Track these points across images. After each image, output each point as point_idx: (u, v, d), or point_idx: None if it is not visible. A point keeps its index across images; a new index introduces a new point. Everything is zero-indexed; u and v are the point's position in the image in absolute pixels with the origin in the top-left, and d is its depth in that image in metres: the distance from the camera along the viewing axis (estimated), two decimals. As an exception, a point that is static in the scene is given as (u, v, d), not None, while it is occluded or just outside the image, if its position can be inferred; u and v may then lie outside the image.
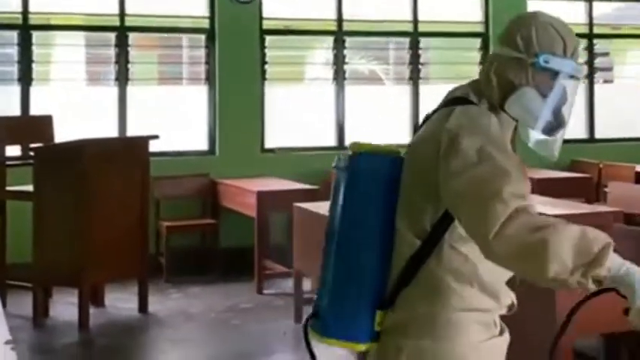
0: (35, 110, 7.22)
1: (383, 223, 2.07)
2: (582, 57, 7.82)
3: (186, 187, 7.49)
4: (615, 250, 1.89)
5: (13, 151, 6.31)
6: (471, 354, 2.00)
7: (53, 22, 7.74)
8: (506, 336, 2.17)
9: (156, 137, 6.10)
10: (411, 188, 2.07)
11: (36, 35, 7.39)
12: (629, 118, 8.87)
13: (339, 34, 8.17)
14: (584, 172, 7.54)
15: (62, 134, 6.41)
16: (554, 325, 2.57)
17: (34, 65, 7.34)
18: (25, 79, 7.29)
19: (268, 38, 7.93)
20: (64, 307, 5.98)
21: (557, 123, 2.11)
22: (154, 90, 8.00)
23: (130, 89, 7.58)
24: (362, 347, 2.09)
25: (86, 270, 5.61)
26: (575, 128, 7.67)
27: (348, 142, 8.03)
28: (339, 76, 8.14)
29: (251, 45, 7.84)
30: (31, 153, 5.90)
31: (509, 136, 2.13)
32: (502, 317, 2.17)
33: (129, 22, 7.60)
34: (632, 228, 4.71)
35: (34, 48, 7.35)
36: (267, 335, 5.50)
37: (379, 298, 2.05)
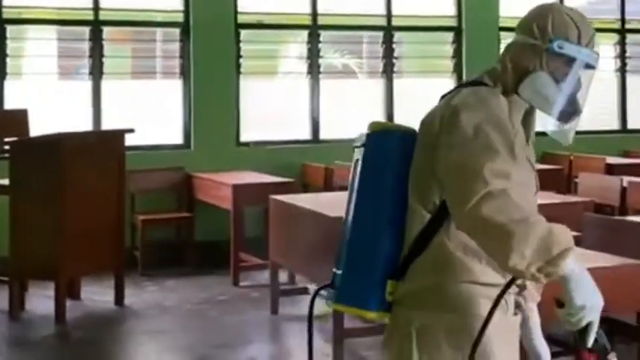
0: (8, 104, 7.21)
1: (395, 197, 2.14)
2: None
3: (162, 181, 7.51)
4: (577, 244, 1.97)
5: (-13, 145, 6.29)
6: (478, 326, 2.01)
7: (27, 15, 7.70)
8: (518, 317, 2.21)
9: (132, 131, 6.11)
10: (420, 163, 2.14)
11: (10, 29, 7.38)
12: (600, 112, 9.01)
13: (314, 28, 8.22)
14: (555, 164, 7.66)
15: (36, 128, 6.40)
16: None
17: (7, 59, 7.32)
18: (-1, 73, 7.28)
19: (243, 32, 7.97)
20: (40, 300, 5.98)
21: (571, 110, 2.16)
22: (128, 84, 8.00)
23: (104, 83, 7.58)
24: (372, 315, 2.16)
25: (62, 263, 5.62)
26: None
27: (322, 135, 8.16)
28: (314, 70, 8.19)
29: (226, 39, 7.86)
30: (7, 147, 5.89)
31: (519, 119, 2.17)
32: None
33: (103, 16, 7.60)
34: (602, 217, 4.82)
35: (8, 42, 7.33)
36: (244, 326, 5.53)
37: (391, 269, 2.12)
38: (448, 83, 8.28)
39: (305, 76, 8.21)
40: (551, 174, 7.28)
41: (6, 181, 5.76)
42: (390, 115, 8.36)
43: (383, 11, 8.46)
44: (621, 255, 3.57)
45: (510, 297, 2.16)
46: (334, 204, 5.14)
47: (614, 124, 9.36)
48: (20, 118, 6.44)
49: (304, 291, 5.89)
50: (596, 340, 1.99)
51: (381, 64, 8.49)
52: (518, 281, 2.14)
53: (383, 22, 8.47)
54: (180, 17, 7.82)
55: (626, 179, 6.47)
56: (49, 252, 5.60)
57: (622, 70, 9.38)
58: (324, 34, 8.28)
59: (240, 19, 7.96)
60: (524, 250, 1.87)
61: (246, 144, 7.92)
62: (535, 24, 2.17)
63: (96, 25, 7.56)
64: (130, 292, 6.20)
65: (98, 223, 5.88)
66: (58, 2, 7.66)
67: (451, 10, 8.74)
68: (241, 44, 7.94)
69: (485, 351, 2.03)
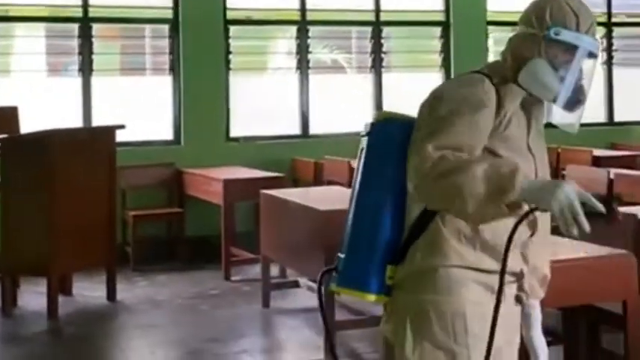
0: (-2, 102, 7.22)
1: (396, 184, 2.20)
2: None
3: (152, 177, 7.53)
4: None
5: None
6: (470, 310, 2.08)
7: (15, 13, 7.70)
8: (516, 308, 2.25)
9: (122, 127, 6.13)
10: None
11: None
12: (587, 105, 9.06)
13: (302, 24, 8.24)
14: (543, 157, 7.69)
15: (26, 126, 6.42)
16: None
17: (-3, 57, 7.35)
18: (-12, 70, 7.29)
19: (232, 28, 7.99)
20: (32, 296, 6.00)
21: (574, 98, 2.19)
22: (117, 81, 8.00)
23: (94, 80, 7.59)
24: (372, 297, 2.22)
25: (54, 259, 5.64)
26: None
27: (312, 130, 8.19)
28: (303, 66, 8.22)
29: (215, 35, 7.88)
30: (-3, 144, 5.90)
31: (513, 107, 2.19)
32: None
33: (92, 12, 7.61)
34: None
35: (-3, 39, 7.36)
36: (236, 320, 5.56)
37: (391, 254, 2.18)
38: (436, 78, 8.33)
39: (294, 71, 8.24)
40: (539, 166, 7.31)
41: (-3, 178, 5.78)
42: (378, 109, 8.39)
43: (371, 6, 8.50)
44: (608, 245, 3.62)
45: (511, 288, 2.19)
46: (324, 198, 5.18)
47: (601, 117, 9.43)
48: (10, 115, 6.46)
49: (295, 284, 5.92)
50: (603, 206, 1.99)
51: (369, 59, 8.53)
52: (515, 268, 2.18)
53: (371, 17, 8.50)
54: (169, 14, 7.84)
55: (613, 171, 6.52)
56: (40, 248, 5.62)
57: (609, 64, 9.44)
58: (312, 30, 8.31)
59: (229, 15, 7.98)
60: (475, 192, 1.97)
61: (236, 139, 7.95)
62: (534, 14, 2.21)
63: (85, 22, 7.57)
64: (122, 288, 6.23)
65: (89, 219, 5.90)
66: (48, 0, 7.66)
67: (439, 4, 8.78)
68: (230, 40, 7.96)
69: (466, 329, 2.08)
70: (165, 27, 7.87)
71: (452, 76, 8.22)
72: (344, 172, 7.12)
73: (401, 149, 2.20)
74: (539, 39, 2.18)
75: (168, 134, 7.83)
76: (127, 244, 7.21)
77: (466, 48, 8.54)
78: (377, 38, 8.50)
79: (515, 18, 2.36)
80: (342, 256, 2.25)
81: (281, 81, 8.43)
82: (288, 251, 5.39)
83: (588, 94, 2.23)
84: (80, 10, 7.56)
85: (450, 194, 2.02)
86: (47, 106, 7.47)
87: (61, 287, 5.98)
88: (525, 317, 2.33)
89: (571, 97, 2.18)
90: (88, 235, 5.88)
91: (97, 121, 7.45)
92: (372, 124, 2.29)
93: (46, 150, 5.64)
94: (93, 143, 6.05)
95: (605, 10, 9.50)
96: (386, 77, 8.50)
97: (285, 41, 8.50)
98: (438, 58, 8.64)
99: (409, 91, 7.76)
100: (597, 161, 7.65)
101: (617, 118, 9.47)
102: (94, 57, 7.58)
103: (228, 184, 6.73)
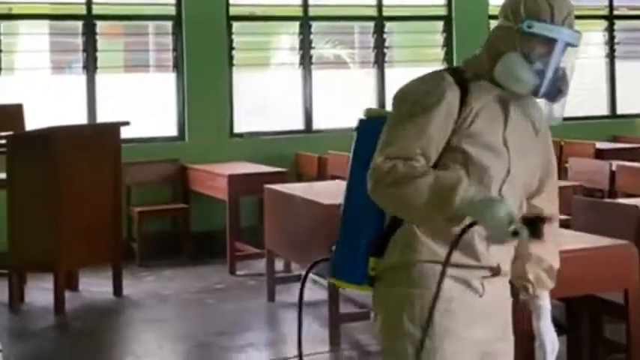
0: (2, 100, 7.24)
1: None
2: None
3: (157, 173, 7.57)
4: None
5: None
6: (440, 304, 2.11)
7: (19, 11, 7.74)
8: (505, 303, 2.29)
9: (127, 124, 6.17)
10: None
11: (2, 25, 7.42)
12: (589, 98, 9.10)
13: (305, 20, 8.27)
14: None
15: (31, 123, 6.45)
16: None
17: (1, 55, 7.36)
18: (-7, 68, 7.32)
19: (235, 24, 8.02)
20: (39, 292, 6.04)
21: (553, 88, 2.16)
22: (121, 78, 8.05)
23: (98, 77, 7.62)
24: (356, 287, 2.31)
25: (61, 255, 5.69)
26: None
27: (315, 125, 8.22)
28: (306, 61, 8.25)
29: (218, 31, 7.91)
30: (3, 141, 5.93)
31: (483, 103, 2.18)
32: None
33: (96, 10, 7.64)
34: (591, 200, 4.90)
35: (0, 37, 7.37)
36: (241, 313, 5.61)
37: (375, 246, 2.24)
38: (439, 72, 8.34)
39: (297, 67, 8.27)
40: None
41: (3, 176, 5.82)
42: (382, 104, 8.41)
43: (373, 1, 8.52)
44: (610, 236, 3.65)
45: (475, 279, 2.20)
46: (328, 192, 5.22)
47: (604, 110, 9.45)
48: (15, 112, 6.50)
49: (300, 278, 5.96)
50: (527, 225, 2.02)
51: (372, 54, 8.55)
52: (491, 262, 2.20)
53: (374, 12, 8.53)
54: (172, 10, 7.87)
55: (615, 163, 6.55)
56: (46, 244, 5.66)
57: (611, 57, 9.46)
58: (315, 26, 8.33)
59: (232, 11, 8.01)
60: (419, 203, 2.05)
61: (240, 135, 7.98)
62: (510, 7, 2.22)
63: (89, 20, 7.60)
64: (128, 283, 6.27)
65: (95, 215, 5.94)
66: (52, -3, 7.71)
67: (441, -2, 8.81)
68: (233, 36, 7.99)
69: (434, 321, 2.13)
70: (169, 24, 7.91)
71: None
72: (347, 167, 7.12)
73: None
74: (514, 32, 2.17)
75: (172, 130, 7.87)
76: (132, 239, 7.25)
77: (468, 42, 8.54)
78: (379, 33, 8.52)
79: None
80: (333, 247, 2.32)
81: (284, 77, 8.46)
82: (293, 245, 5.43)
83: (570, 83, 2.21)
84: (84, 7, 7.59)
85: (397, 205, 2.11)
86: (52, 103, 7.51)
87: (68, 283, 6.02)
88: (535, 308, 2.37)
89: (551, 89, 2.17)
90: (94, 231, 5.92)
91: (102, 118, 7.49)
92: (360, 120, 2.34)
93: (52, 147, 5.68)
94: (98, 140, 6.09)
95: (606, 3, 9.52)
96: (389, 72, 8.52)
97: (287, 37, 8.54)
98: (440, 53, 8.67)
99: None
100: (600, 154, 7.68)
101: (619, 111, 9.48)
102: (98, 54, 7.61)
103: (232, 179, 6.77)
